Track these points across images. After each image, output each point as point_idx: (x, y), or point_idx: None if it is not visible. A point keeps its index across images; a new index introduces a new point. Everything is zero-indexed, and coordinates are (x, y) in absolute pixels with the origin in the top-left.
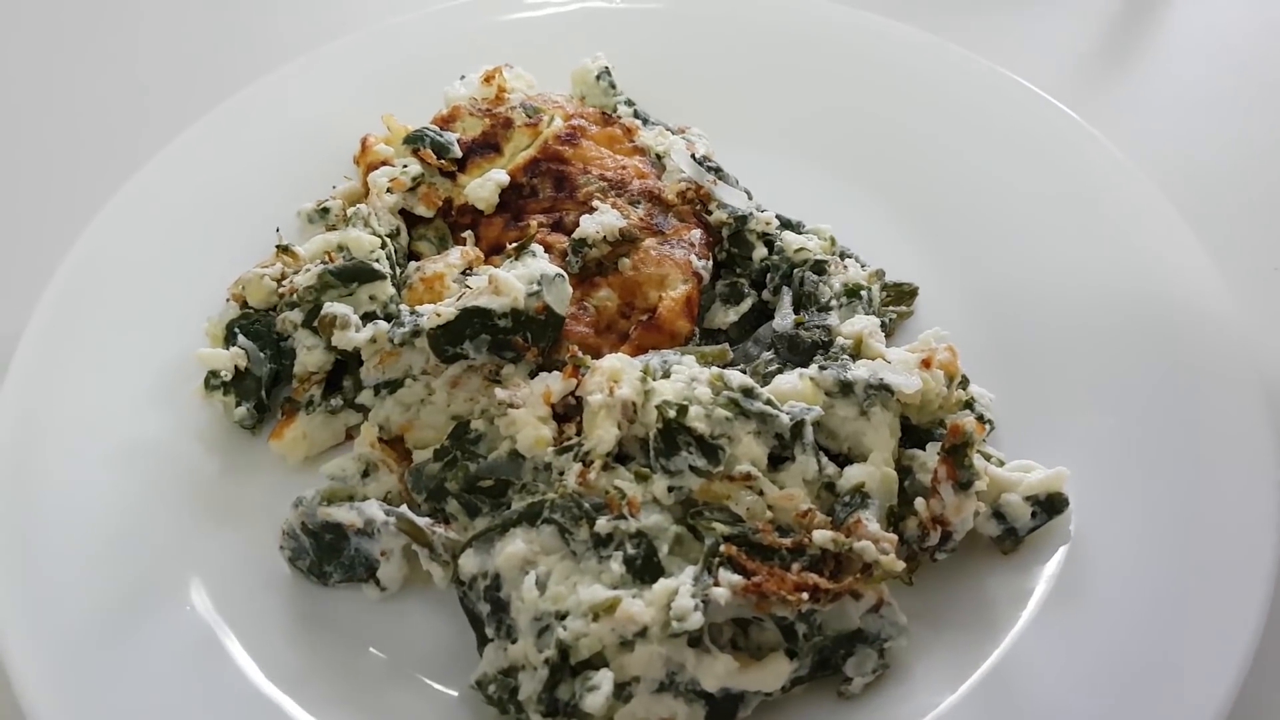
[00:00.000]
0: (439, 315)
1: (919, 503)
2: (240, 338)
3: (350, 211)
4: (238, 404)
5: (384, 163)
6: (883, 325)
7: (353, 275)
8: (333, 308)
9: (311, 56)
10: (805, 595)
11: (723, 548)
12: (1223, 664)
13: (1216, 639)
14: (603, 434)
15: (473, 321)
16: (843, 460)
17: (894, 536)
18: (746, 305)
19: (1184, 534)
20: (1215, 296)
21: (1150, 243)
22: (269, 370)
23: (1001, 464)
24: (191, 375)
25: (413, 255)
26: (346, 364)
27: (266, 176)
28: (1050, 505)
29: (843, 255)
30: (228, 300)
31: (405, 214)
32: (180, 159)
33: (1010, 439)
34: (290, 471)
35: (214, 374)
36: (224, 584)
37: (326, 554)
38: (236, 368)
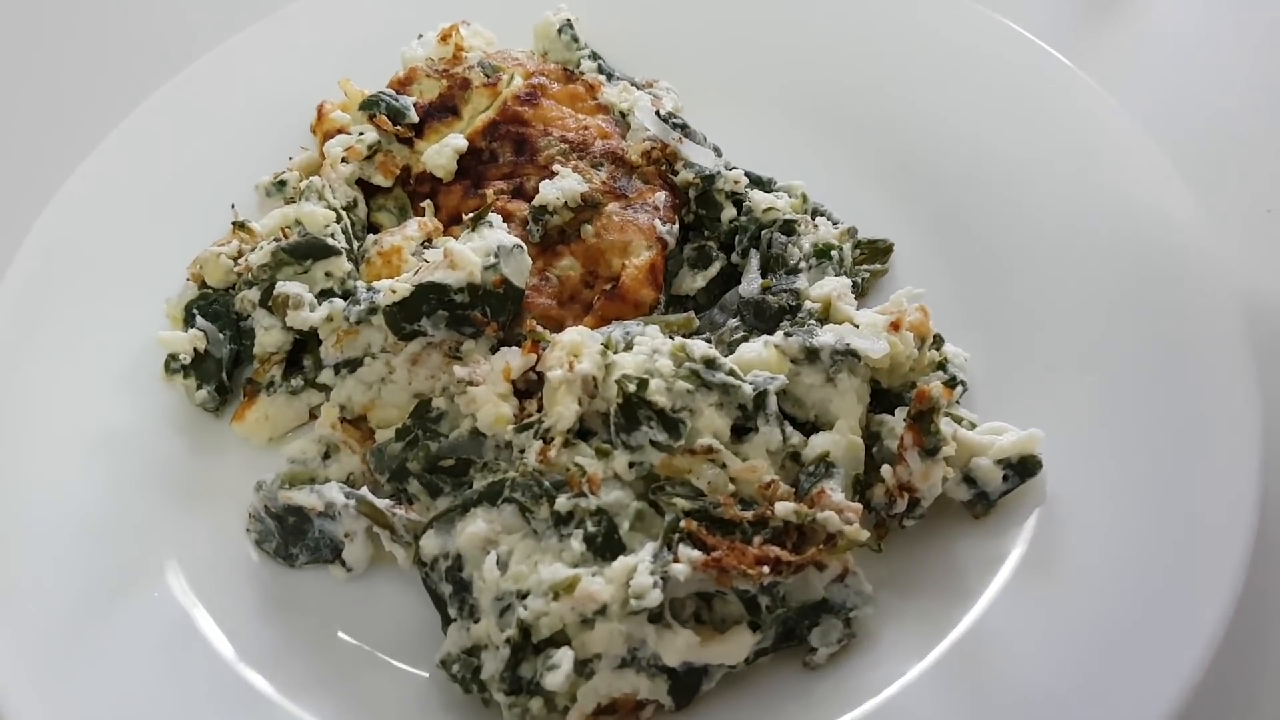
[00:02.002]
0: (394, 292)
1: (885, 470)
2: (199, 319)
3: (304, 185)
4: (199, 387)
5: (340, 130)
6: (856, 285)
7: (307, 252)
8: (285, 287)
9: (267, 21)
10: (766, 569)
11: (682, 523)
12: (1197, 632)
13: (1192, 606)
14: (563, 410)
15: (429, 298)
16: (810, 428)
17: (859, 506)
18: (715, 269)
19: (1162, 497)
20: (1205, 249)
21: (1138, 193)
22: (229, 351)
23: (973, 426)
24: (155, 359)
25: (373, 227)
26: (306, 343)
27: (225, 150)
28: (1023, 468)
29: (815, 213)
30: (187, 280)
31: (363, 184)
32: (135, 137)
33: (987, 398)
34: (259, 452)
35: (173, 357)
36: (194, 568)
37: (291, 536)
38: (196, 350)
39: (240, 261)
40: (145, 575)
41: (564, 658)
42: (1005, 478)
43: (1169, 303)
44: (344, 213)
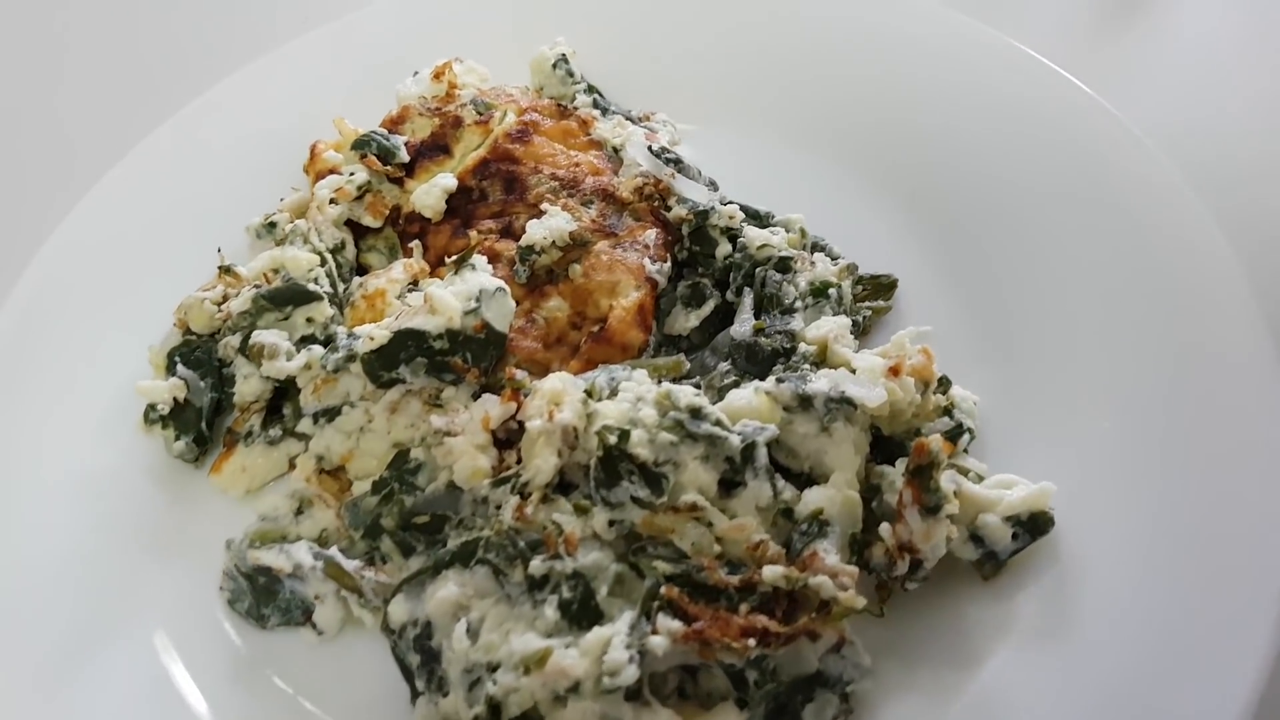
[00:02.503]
0: (372, 339)
1: (884, 529)
2: (180, 367)
3: (289, 228)
4: (177, 437)
5: (333, 170)
6: (857, 324)
7: (287, 298)
8: (261, 336)
9: (265, 59)
10: (753, 641)
11: (663, 590)
12: (1223, 710)
13: (1219, 680)
14: (541, 464)
15: (407, 344)
16: (805, 480)
17: (854, 569)
18: (708, 308)
19: (1188, 559)
20: (1234, 282)
21: (1162, 223)
22: (210, 400)
23: (980, 479)
24: (141, 406)
25: (362, 268)
26: (287, 391)
27: (220, 191)
28: (1033, 526)
29: (814, 247)
30: (173, 326)
31: (353, 225)
32: (130, 179)
33: (999, 444)
34: (239, 504)
35: (152, 407)
36: (169, 626)
37: (263, 597)
38: (175, 399)
39: (224, 307)
40: (119, 632)
41: None
42: (1015, 536)
43: (1196, 341)
44: (330, 255)
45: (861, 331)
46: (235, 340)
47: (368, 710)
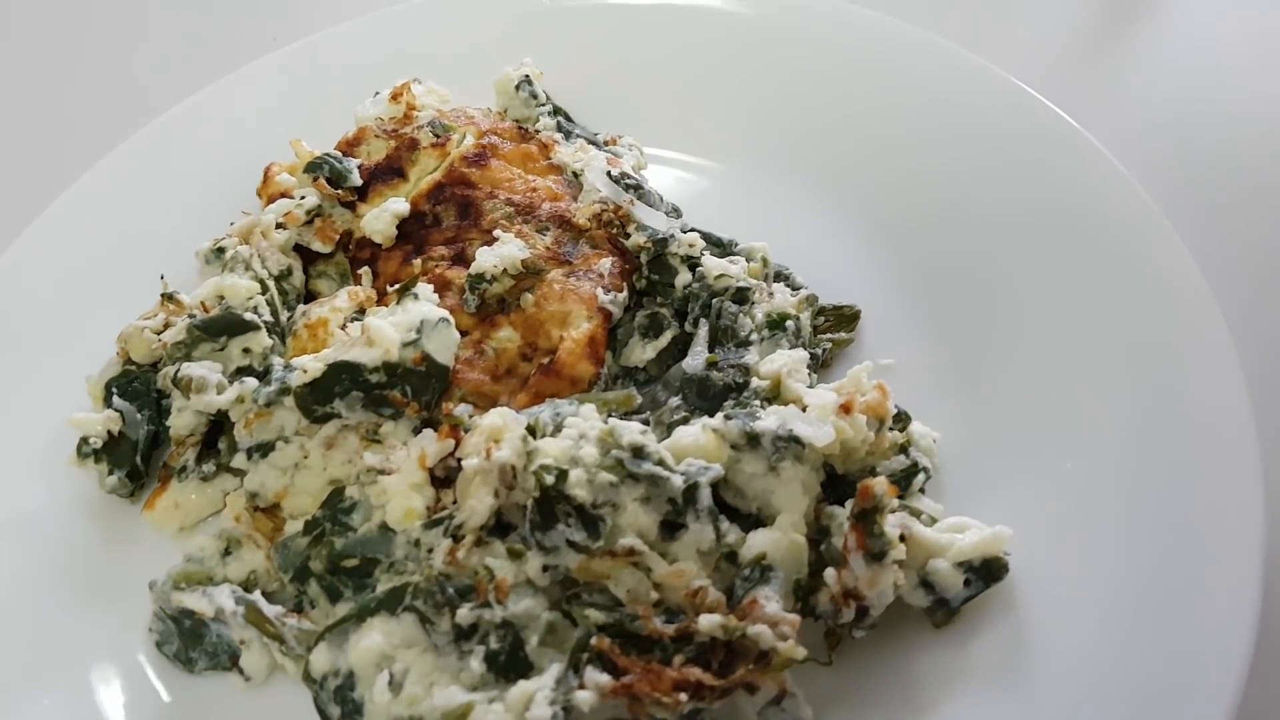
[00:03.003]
0: (305, 372)
1: (829, 574)
2: (116, 399)
3: (230, 254)
4: (110, 472)
5: (285, 194)
6: (815, 356)
7: (222, 328)
8: (190, 369)
9: (225, 80)
10: (685, 696)
11: (594, 640)
12: None
13: None
14: (476, 504)
15: (341, 378)
16: (753, 522)
17: (795, 618)
18: (666, 339)
19: (1151, 608)
20: (1208, 320)
21: (1135, 258)
22: (147, 433)
23: (934, 520)
24: (74, 438)
25: (311, 295)
26: (223, 425)
27: (174, 216)
28: (986, 572)
29: (777, 276)
30: (115, 355)
31: (303, 250)
32: (82, 202)
33: (960, 482)
34: (174, 542)
35: (85, 440)
36: (98, 667)
37: (190, 640)
38: (110, 432)
39: (163, 336)
40: (47, 672)
41: None
42: (967, 582)
43: (1167, 380)
44: (273, 283)
45: (821, 364)
46: (172, 371)
47: None
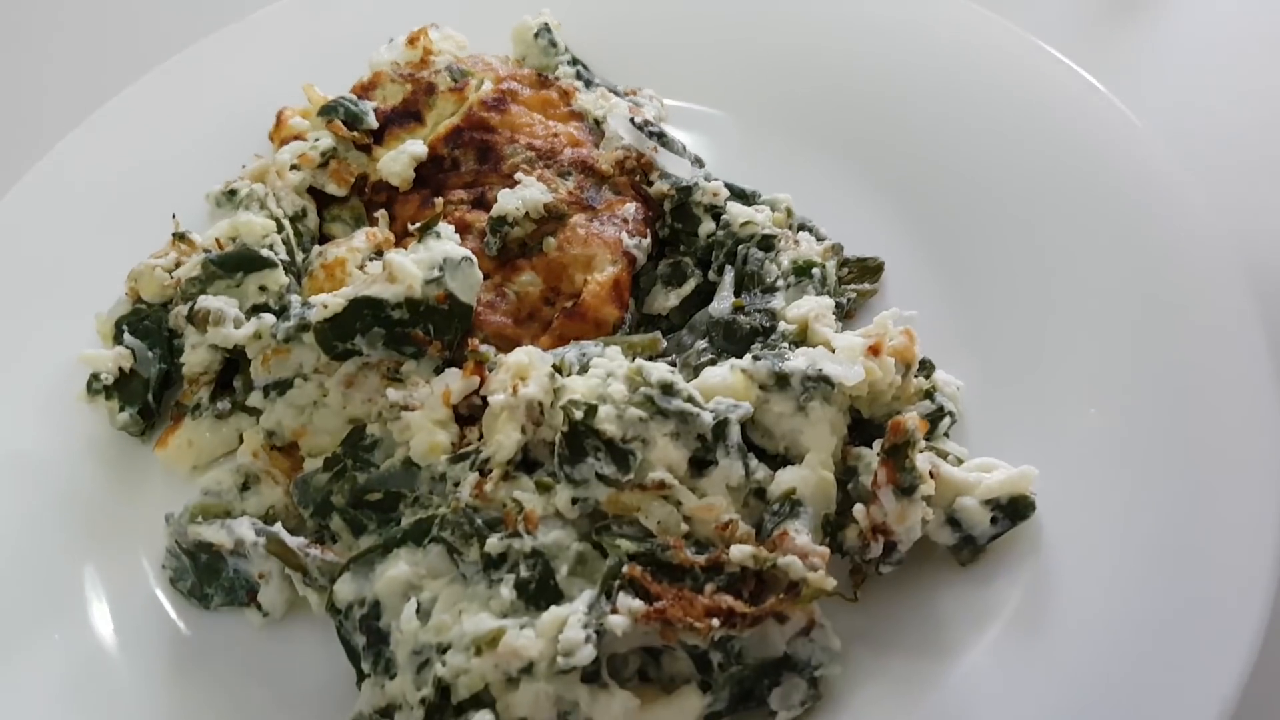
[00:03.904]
0: (326, 307)
1: (858, 510)
2: (127, 336)
3: (245, 192)
4: (121, 409)
5: (298, 137)
6: (840, 306)
7: (238, 264)
8: (207, 301)
9: (237, 25)
10: (717, 621)
11: (625, 568)
12: (1208, 701)
13: (1203, 672)
14: (503, 439)
15: (363, 313)
16: (780, 462)
17: (825, 550)
18: (689, 287)
19: (1173, 548)
20: (1227, 271)
21: (1154, 212)
22: (158, 371)
23: (960, 462)
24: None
25: (326, 238)
26: (238, 364)
27: (184, 158)
28: (1013, 510)
29: (801, 227)
30: (125, 295)
31: (318, 193)
32: (91, 143)
33: (983, 431)
34: (185, 482)
35: (95, 377)
36: (108, 606)
37: (206, 575)
38: (121, 369)
39: (175, 274)
40: (55, 610)
41: None
42: (994, 520)
43: (1185, 330)
44: (289, 223)
45: (846, 314)
46: (185, 309)
47: (314, 695)
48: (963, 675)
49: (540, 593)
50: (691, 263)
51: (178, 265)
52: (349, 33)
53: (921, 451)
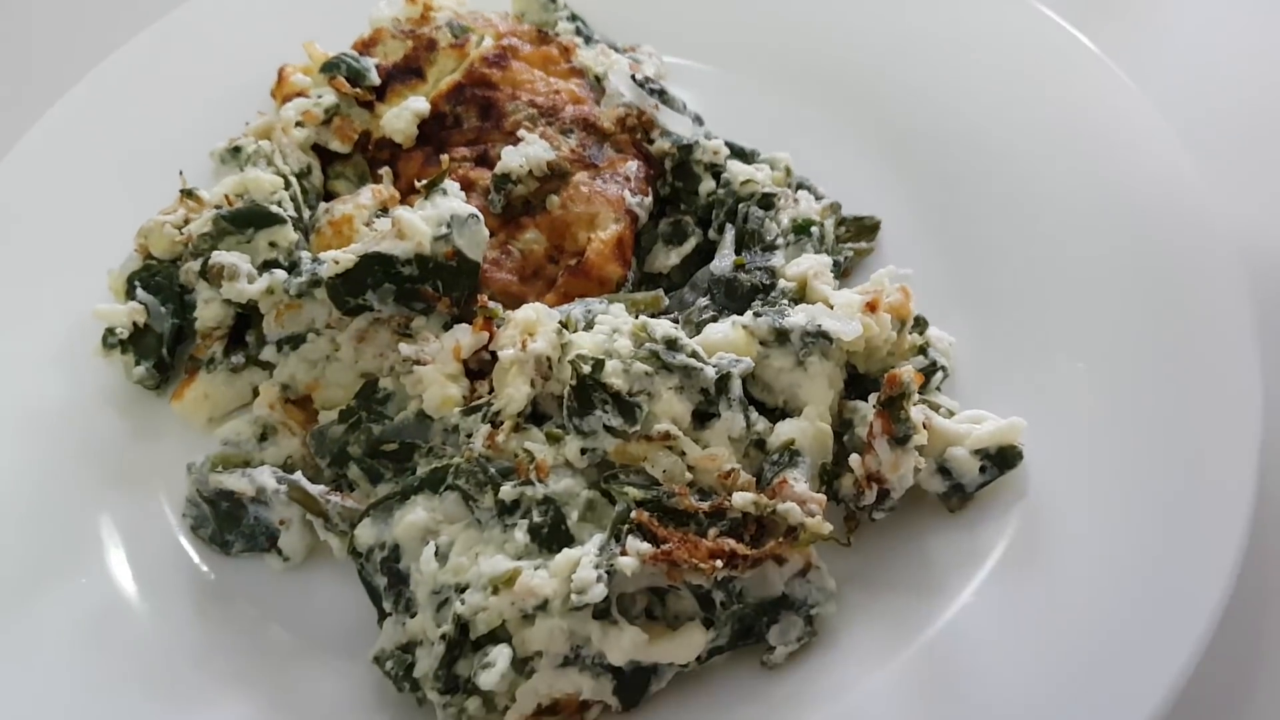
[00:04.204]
0: (337, 263)
1: (853, 459)
2: (140, 291)
3: (252, 149)
4: (137, 363)
5: (300, 94)
6: (838, 264)
7: (248, 220)
8: (220, 257)
9: None
10: (720, 563)
11: (633, 514)
12: (1185, 637)
13: (1181, 609)
14: (513, 392)
15: (374, 269)
16: (779, 414)
17: (822, 497)
18: (690, 245)
19: (1153, 493)
20: (1211, 233)
21: (1142, 173)
22: (171, 326)
23: (951, 414)
24: (97, 332)
25: (330, 195)
26: (251, 319)
27: (184, 115)
28: (1002, 459)
29: (799, 186)
30: (134, 251)
31: (321, 150)
32: (91, 100)
33: (973, 386)
34: (200, 434)
35: (111, 331)
36: (127, 553)
37: (226, 522)
38: (135, 324)
39: (185, 230)
40: (75, 559)
41: (499, 655)
42: (983, 469)
43: (1170, 289)
44: (295, 180)
45: (843, 272)
46: (196, 265)
47: (333, 635)
48: (951, 615)
49: (552, 537)
50: (692, 221)
51: (186, 222)
52: None
53: (915, 404)
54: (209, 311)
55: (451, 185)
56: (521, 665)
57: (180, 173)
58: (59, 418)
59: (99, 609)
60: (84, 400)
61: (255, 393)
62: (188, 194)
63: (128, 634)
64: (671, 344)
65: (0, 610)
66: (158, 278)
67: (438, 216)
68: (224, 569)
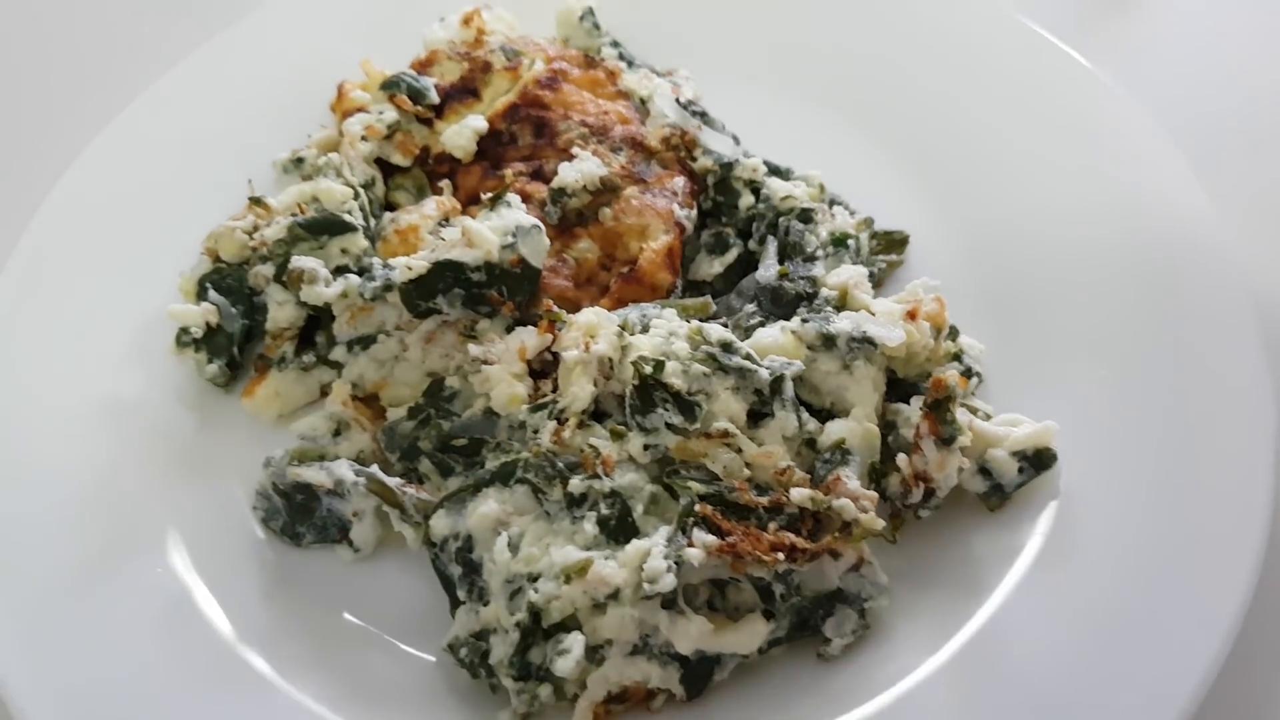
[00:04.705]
0: (411, 269)
1: (901, 459)
2: (211, 293)
3: (322, 161)
4: (209, 361)
5: (360, 110)
6: (871, 275)
7: (323, 227)
8: (301, 261)
9: (284, 2)
10: (781, 555)
11: (698, 507)
12: (1213, 625)
13: (1207, 599)
14: (578, 391)
15: (445, 275)
16: (825, 416)
17: (874, 494)
18: (732, 256)
19: (1177, 491)
20: (1218, 244)
21: (1154, 190)
22: (241, 326)
23: (988, 418)
24: (167, 331)
25: (389, 206)
26: (320, 320)
27: (245, 126)
28: (1038, 460)
29: (832, 203)
30: (201, 255)
31: (381, 163)
32: (156, 109)
33: (1002, 391)
34: (267, 430)
35: (185, 330)
36: (198, 544)
37: (298, 515)
38: (208, 324)
39: (255, 236)
40: (148, 549)
41: (575, 642)
42: (1020, 470)
43: (1182, 298)
44: (362, 190)
45: (876, 284)
46: (267, 269)
47: (402, 622)
48: (994, 608)
49: (619, 528)
50: (732, 233)
51: (255, 228)
52: (391, 10)
53: (958, 405)
54: (282, 313)
55: (514, 198)
56: (592, 653)
57: (249, 181)
58: (130, 412)
59: (171, 597)
60: (153, 396)
61: (322, 391)
62: (256, 201)
63: (199, 621)
64: (727, 346)
65: (77, 597)
66: (228, 280)
67: (503, 226)
68: (292, 560)
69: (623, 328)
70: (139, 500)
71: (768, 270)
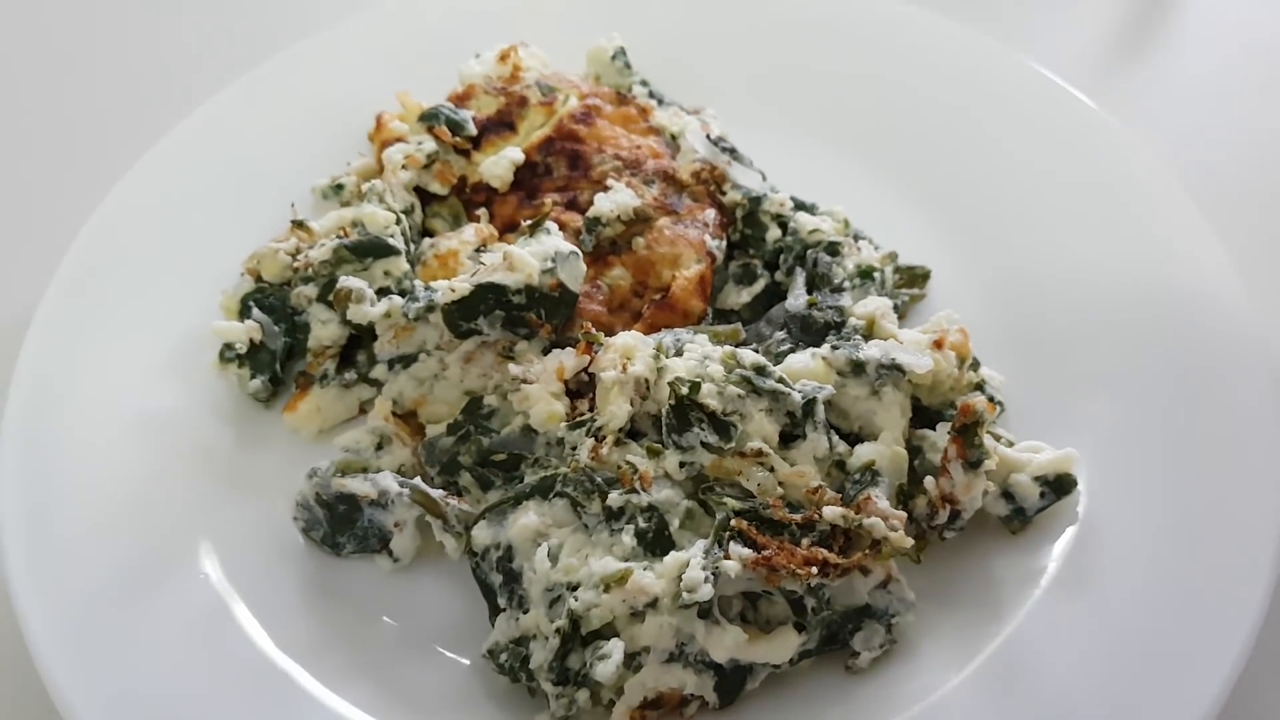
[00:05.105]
0: (454, 290)
1: (928, 481)
2: (255, 311)
3: (365, 187)
4: (252, 376)
5: (398, 140)
6: (895, 308)
7: (368, 250)
8: (348, 281)
9: (329, 33)
10: (814, 569)
11: (733, 522)
12: (1226, 648)
13: (1221, 623)
14: (615, 410)
15: (487, 297)
16: (853, 439)
17: (903, 514)
18: (759, 286)
19: (1191, 518)
20: (1228, 286)
21: (1165, 232)
22: (283, 344)
23: (1011, 445)
24: (207, 347)
25: (426, 233)
26: (360, 338)
27: (282, 152)
28: (1059, 486)
29: (856, 238)
30: (242, 274)
31: (419, 191)
32: (197, 133)
33: (1020, 422)
34: (303, 444)
35: (229, 346)
36: (237, 554)
37: (340, 525)
38: (251, 341)
39: (298, 258)
40: (188, 558)
41: (615, 648)
42: (1042, 494)
43: (1194, 330)
44: (403, 216)
45: (899, 316)
46: (310, 289)
47: (440, 630)
48: (1015, 628)
49: (656, 541)
50: (759, 264)
51: (297, 250)
52: (426, 46)
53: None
54: (326, 331)
55: (551, 225)
56: (629, 660)
57: (292, 205)
58: (171, 426)
59: (213, 605)
60: (194, 410)
61: (361, 408)
62: (299, 224)
63: (239, 630)
64: (760, 370)
65: (120, 607)
66: (271, 299)
67: (542, 252)
68: (330, 570)
69: (658, 350)
70: (181, 512)
71: (797, 299)
